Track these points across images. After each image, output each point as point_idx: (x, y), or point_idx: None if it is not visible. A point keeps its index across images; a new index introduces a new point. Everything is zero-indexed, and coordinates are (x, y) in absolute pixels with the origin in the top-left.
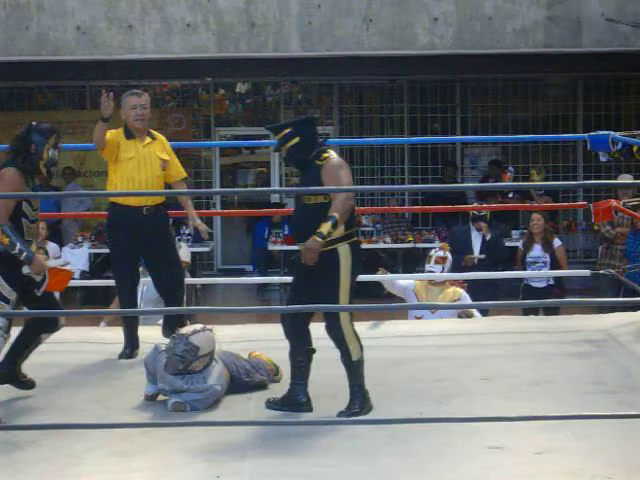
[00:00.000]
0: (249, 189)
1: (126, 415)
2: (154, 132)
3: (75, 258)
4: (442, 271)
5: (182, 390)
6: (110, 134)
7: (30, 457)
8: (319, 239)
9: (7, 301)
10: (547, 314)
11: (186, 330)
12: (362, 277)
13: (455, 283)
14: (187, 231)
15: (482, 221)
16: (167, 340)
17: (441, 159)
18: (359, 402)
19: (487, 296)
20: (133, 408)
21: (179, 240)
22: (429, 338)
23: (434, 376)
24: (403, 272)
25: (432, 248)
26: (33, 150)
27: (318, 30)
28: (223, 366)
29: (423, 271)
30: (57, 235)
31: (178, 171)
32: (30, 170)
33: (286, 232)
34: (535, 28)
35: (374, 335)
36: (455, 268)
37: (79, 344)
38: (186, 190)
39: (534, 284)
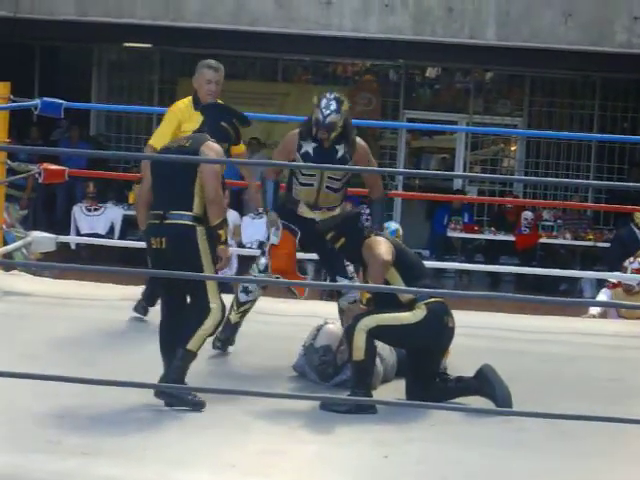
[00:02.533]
0: (428, 171)
1: (298, 387)
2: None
3: (254, 228)
4: (639, 282)
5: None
6: (181, 104)
7: (197, 419)
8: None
9: None
10: None
11: (307, 340)
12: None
13: None
14: (367, 210)
15: None
16: None
17: (628, 160)
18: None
19: None
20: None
21: None
22: (603, 337)
23: (607, 375)
24: (581, 270)
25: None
26: None
27: (516, 20)
28: None
29: (600, 270)
30: (239, 204)
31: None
32: None
33: (466, 220)
34: None
35: (549, 330)
36: None
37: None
38: (328, 165)
39: None
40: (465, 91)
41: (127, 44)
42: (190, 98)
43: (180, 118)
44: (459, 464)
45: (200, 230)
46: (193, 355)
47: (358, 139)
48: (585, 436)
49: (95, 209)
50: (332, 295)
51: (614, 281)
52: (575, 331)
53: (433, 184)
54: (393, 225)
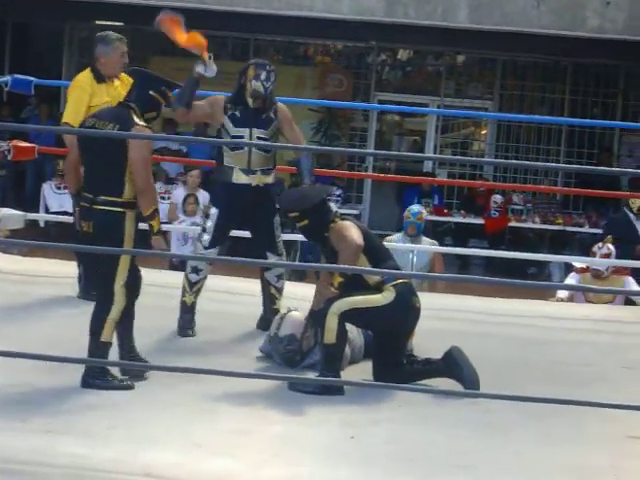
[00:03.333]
0: (396, 152)
1: (266, 367)
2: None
3: None
4: (607, 267)
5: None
6: (84, 78)
7: (164, 400)
8: None
9: None
10: None
11: (271, 330)
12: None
13: (620, 272)
14: (337, 192)
15: None
16: None
17: (598, 145)
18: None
19: None
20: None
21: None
22: (573, 322)
23: (575, 359)
24: (549, 254)
25: (581, 233)
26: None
27: (488, 3)
28: None
29: (570, 255)
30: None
31: None
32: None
33: (436, 202)
34: None
35: (517, 313)
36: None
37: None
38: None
39: None
40: (436, 74)
41: (99, 22)
42: (89, 71)
43: (89, 93)
44: (426, 445)
45: (130, 215)
46: (108, 345)
47: (279, 102)
48: (552, 418)
49: (65, 187)
50: (300, 277)
51: (583, 265)
52: (543, 314)
53: (403, 166)
54: (416, 207)
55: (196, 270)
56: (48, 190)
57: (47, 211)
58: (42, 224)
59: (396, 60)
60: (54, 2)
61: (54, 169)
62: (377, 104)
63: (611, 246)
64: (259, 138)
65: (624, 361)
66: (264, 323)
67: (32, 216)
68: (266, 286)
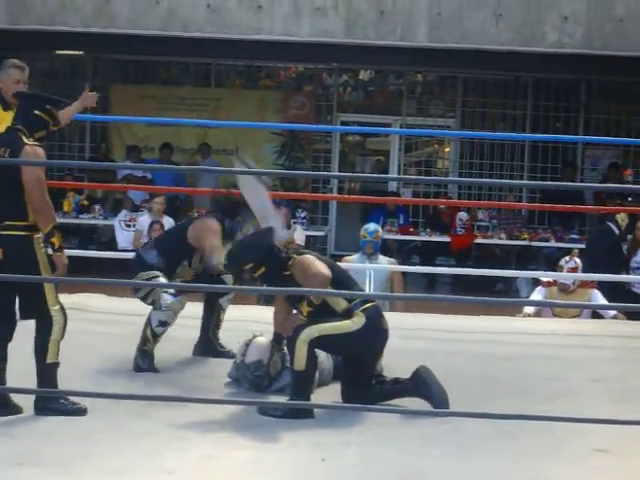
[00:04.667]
0: (360, 175)
1: (235, 392)
2: None
3: None
4: (574, 282)
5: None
6: None
7: (135, 429)
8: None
9: None
10: None
11: (237, 357)
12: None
13: (587, 285)
14: (303, 214)
15: None
16: None
17: (562, 159)
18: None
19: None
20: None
21: (294, 222)
22: (540, 337)
23: (543, 374)
24: (516, 269)
25: (548, 247)
26: None
27: (447, 21)
28: None
29: (537, 270)
30: (175, 210)
31: None
32: None
33: (401, 221)
34: None
35: (485, 330)
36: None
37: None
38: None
39: (636, 290)
40: (398, 93)
41: (59, 52)
42: None
43: None
44: (397, 466)
45: (37, 238)
46: (56, 365)
47: None
48: (521, 435)
49: None
50: (268, 300)
51: (549, 279)
52: (511, 330)
53: (368, 187)
54: (372, 226)
55: (164, 324)
56: None
57: None
58: None
59: (357, 81)
60: (14, 33)
61: None
62: (340, 125)
63: (578, 260)
64: None
65: (592, 375)
66: (202, 348)
67: None
68: (217, 310)
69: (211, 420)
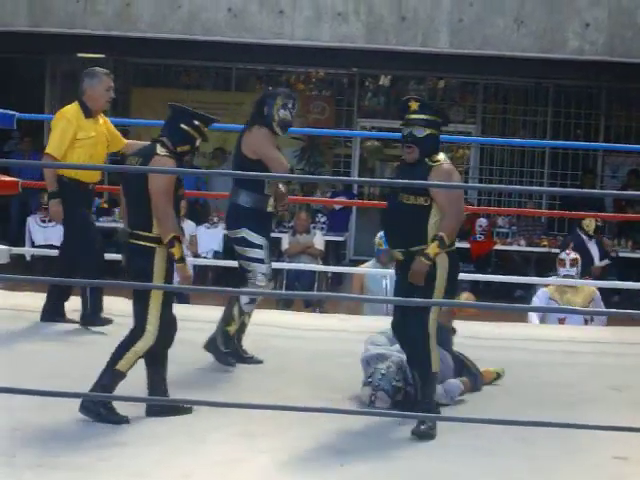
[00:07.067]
0: (379, 180)
1: (255, 397)
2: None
3: (209, 238)
4: (577, 272)
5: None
6: (71, 111)
7: (154, 431)
8: (426, 261)
9: None
10: None
11: (377, 364)
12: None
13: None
14: (322, 219)
15: None
16: None
17: (582, 166)
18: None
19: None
20: (268, 390)
21: (314, 228)
22: (558, 343)
23: (562, 381)
24: (535, 276)
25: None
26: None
27: (468, 28)
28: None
29: (557, 276)
30: (195, 214)
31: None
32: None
33: None
34: None
35: (502, 336)
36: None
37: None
38: (323, 177)
39: None
40: None
41: (80, 55)
42: (77, 105)
43: (75, 126)
44: (414, 472)
45: (159, 251)
46: (122, 375)
47: None
48: (540, 441)
49: (49, 220)
50: (287, 304)
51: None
52: (529, 337)
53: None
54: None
55: (253, 300)
56: (33, 224)
57: (33, 245)
58: (28, 258)
59: (378, 86)
60: (35, 36)
61: (38, 202)
62: (360, 130)
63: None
64: None
65: (612, 382)
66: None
67: (17, 250)
68: (233, 303)
69: (230, 423)
